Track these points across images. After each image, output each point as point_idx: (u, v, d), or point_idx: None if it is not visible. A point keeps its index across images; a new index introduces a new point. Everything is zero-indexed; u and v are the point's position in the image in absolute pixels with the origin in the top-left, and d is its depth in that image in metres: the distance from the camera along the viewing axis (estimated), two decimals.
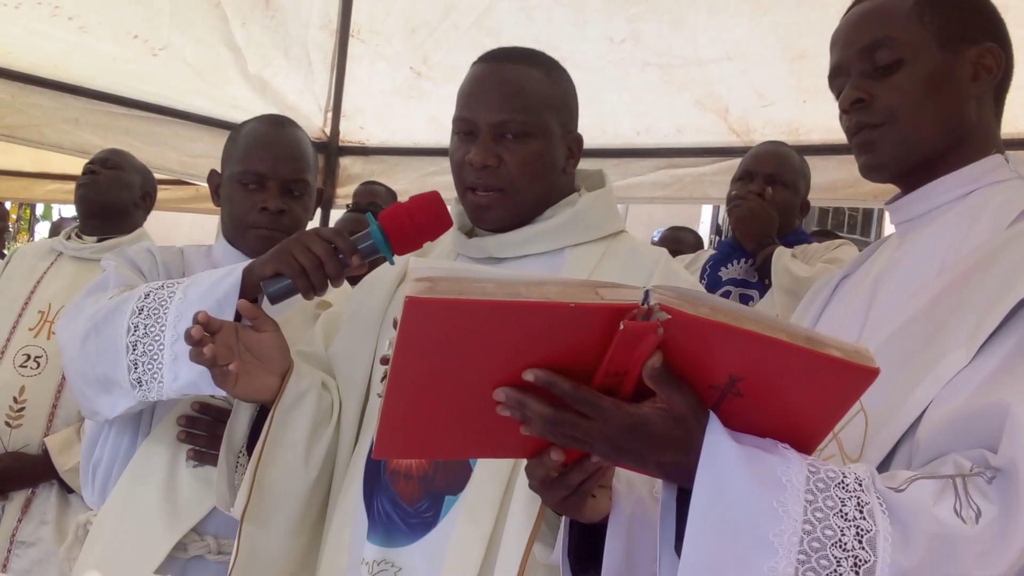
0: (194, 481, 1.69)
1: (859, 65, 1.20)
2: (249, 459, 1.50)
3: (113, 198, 2.77)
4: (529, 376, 0.89)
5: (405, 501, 1.43)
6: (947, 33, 1.18)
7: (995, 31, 1.21)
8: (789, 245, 2.67)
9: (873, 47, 1.19)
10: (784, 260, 2.57)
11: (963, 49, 1.18)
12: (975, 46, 1.19)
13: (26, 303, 2.63)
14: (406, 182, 3.81)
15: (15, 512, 2.51)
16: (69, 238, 2.77)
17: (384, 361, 1.51)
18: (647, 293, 0.87)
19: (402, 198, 3.73)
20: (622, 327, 0.85)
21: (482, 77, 1.52)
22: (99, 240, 2.73)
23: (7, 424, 2.50)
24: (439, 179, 3.64)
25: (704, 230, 10.06)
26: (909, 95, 1.17)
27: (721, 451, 0.90)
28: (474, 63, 1.56)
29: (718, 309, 0.86)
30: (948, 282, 1.10)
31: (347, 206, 3.47)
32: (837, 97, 1.23)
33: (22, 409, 2.51)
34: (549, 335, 0.87)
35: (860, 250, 1.55)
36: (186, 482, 1.69)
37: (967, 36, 1.18)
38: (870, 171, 1.22)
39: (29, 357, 2.55)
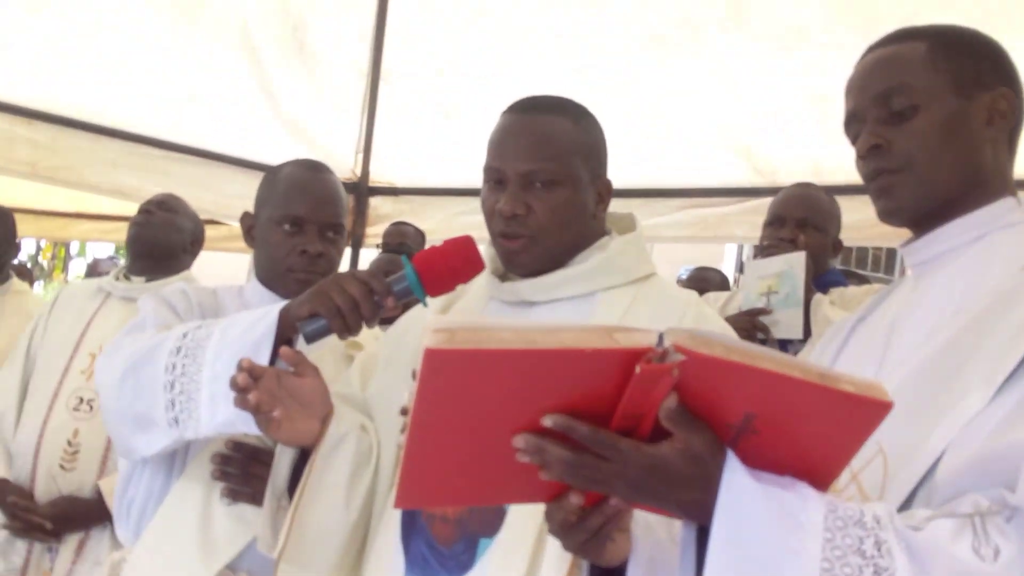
0: (228, 518, 1.71)
1: (875, 111, 1.22)
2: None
3: (164, 240, 2.78)
4: (548, 422, 0.90)
5: (441, 544, 1.43)
6: (961, 79, 1.19)
7: (1008, 76, 1.23)
8: (824, 287, 2.61)
9: (888, 94, 1.20)
10: (823, 309, 2.49)
11: (977, 94, 1.19)
12: (989, 91, 1.20)
13: (77, 346, 2.63)
14: (434, 222, 3.86)
15: (69, 555, 2.51)
16: (117, 279, 2.78)
17: (404, 412, 1.51)
18: (661, 336, 0.88)
19: (430, 237, 3.78)
20: (638, 370, 0.87)
21: (510, 127, 1.55)
22: (148, 280, 2.73)
23: (61, 467, 2.50)
24: (467, 219, 3.67)
25: (728, 268, 10.03)
26: (926, 141, 1.18)
27: (739, 489, 0.91)
28: (503, 112, 1.59)
29: (732, 349, 0.88)
30: (964, 324, 1.11)
31: (377, 245, 3.51)
32: (853, 143, 1.25)
33: (76, 452, 2.51)
34: (566, 381, 0.88)
35: None
36: (220, 519, 1.71)
37: (981, 82, 1.20)
38: (889, 216, 1.23)
39: (82, 400, 2.55)
